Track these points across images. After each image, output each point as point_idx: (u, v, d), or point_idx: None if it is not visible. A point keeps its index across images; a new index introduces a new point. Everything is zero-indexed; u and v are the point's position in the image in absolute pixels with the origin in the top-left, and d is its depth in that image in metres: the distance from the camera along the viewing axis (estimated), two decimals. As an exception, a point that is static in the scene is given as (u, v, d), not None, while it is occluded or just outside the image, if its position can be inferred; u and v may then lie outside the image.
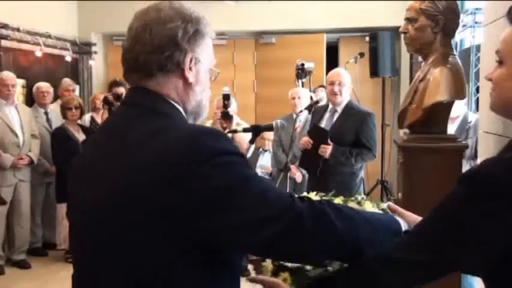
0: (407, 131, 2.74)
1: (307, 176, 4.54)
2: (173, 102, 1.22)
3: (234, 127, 4.32)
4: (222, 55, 7.51)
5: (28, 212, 5.37)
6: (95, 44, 7.46)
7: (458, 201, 1.13)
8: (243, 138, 4.33)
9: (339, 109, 4.12)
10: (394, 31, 5.89)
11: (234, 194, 1.07)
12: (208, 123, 4.73)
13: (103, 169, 1.16)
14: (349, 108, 4.11)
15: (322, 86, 5.76)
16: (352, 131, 4.02)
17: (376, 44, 6.39)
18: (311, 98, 5.00)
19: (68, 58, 6.81)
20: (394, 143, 3.13)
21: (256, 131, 2.86)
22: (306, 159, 4.23)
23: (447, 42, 2.59)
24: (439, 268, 1.15)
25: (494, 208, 1.08)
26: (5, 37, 5.81)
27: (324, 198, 1.47)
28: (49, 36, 6.45)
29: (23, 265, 5.22)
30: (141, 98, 1.21)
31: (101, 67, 7.69)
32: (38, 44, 6.23)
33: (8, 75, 5.27)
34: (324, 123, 4.15)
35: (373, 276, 1.16)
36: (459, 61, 2.63)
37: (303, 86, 5.37)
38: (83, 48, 7.26)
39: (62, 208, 5.28)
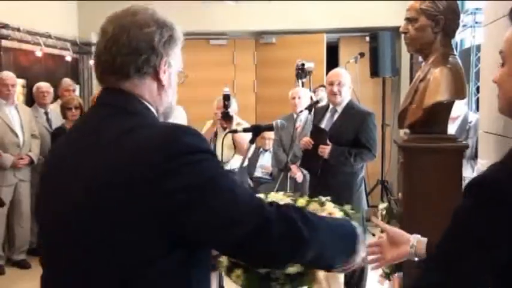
0: (407, 131, 2.74)
1: (308, 176, 4.54)
2: (146, 103, 1.25)
3: (234, 127, 4.32)
4: (222, 55, 7.52)
5: (28, 212, 5.36)
6: (95, 44, 7.44)
7: (466, 214, 1.13)
8: (244, 138, 4.33)
9: (339, 109, 4.11)
10: (395, 31, 5.90)
11: (205, 192, 1.09)
12: (208, 124, 4.73)
13: (77, 169, 1.17)
14: (350, 108, 4.11)
15: (322, 86, 5.76)
16: (352, 130, 4.01)
17: (376, 44, 6.40)
18: (311, 98, 5.00)
19: (68, 58, 6.81)
20: (395, 143, 3.13)
21: (256, 131, 2.86)
22: (307, 160, 4.23)
23: (447, 42, 2.59)
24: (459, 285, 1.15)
25: (497, 214, 1.09)
26: (5, 37, 5.80)
27: (290, 198, 1.53)
28: (49, 36, 6.44)
29: (23, 265, 5.22)
30: (115, 98, 1.24)
31: (101, 67, 7.67)
32: (38, 44, 6.22)
33: (8, 75, 5.27)
34: (324, 123, 4.14)
35: None
36: (459, 61, 2.63)
37: (303, 86, 5.37)
38: (83, 48, 7.25)
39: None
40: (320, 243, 1.21)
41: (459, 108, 3.85)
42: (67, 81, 6.39)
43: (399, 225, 2.62)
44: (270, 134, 5.53)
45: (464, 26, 4.85)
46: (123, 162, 1.10)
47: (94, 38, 7.49)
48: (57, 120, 5.76)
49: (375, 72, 6.49)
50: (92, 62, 7.35)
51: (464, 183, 2.75)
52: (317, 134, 4.08)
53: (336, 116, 4.12)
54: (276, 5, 6.95)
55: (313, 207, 1.52)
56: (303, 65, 5.34)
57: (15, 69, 5.73)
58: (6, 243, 5.29)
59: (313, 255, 1.21)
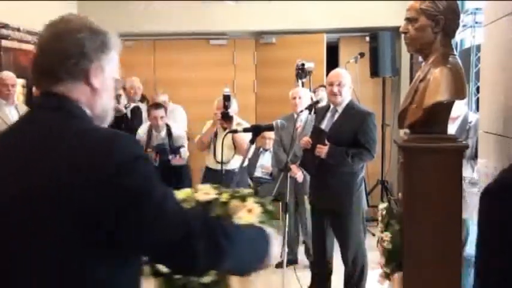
0: (407, 131, 2.74)
1: (308, 176, 4.54)
2: (81, 106, 1.30)
3: (234, 127, 4.33)
4: (222, 55, 7.52)
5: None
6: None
7: (484, 225, 1.16)
8: (243, 138, 4.34)
9: (340, 109, 4.11)
10: (394, 31, 5.90)
11: (141, 197, 1.16)
12: (208, 124, 4.73)
13: (19, 170, 1.21)
14: (350, 108, 4.10)
15: (322, 86, 5.76)
16: (351, 130, 4.00)
17: (376, 44, 6.40)
18: (311, 98, 5.00)
19: (68, 58, 6.81)
20: (394, 143, 3.12)
21: (256, 131, 2.87)
22: (305, 159, 4.25)
23: (447, 42, 2.59)
24: None
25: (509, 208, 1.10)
26: (5, 37, 5.81)
27: (215, 190, 1.62)
28: (49, 36, 6.44)
29: None
30: (52, 102, 1.28)
31: (101, 67, 7.68)
32: (38, 44, 6.22)
33: (8, 75, 5.28)
34: (325, 124, 4.14)
35: None
36: (459, 61, 2.62)
37: (303, 86, 5.37)
38: (83, 48, 7.25)
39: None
40: (238, 253, 1.31)
41: (459, 108, 3.84)
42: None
43: (399, 225, 2.62)
44: (270, 134, 5.54)
45: (464, 26, 4.86)
46: (62, 165, 1.16)
47: (94, 38, 7.49)
48: (57, 120, 5.75)
49: (375, 72, 6.49)
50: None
51: (464, 183, 2.76)
52: (316, 134, 4.09)
53: (336, 116, 4.12)
54: (276, 5, 6.96)
55: (235, 203, 1.58)
56: (303, 65, 5.34)
57: (15, 69, 5.72)
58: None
59: (231, 264, 1.31)
